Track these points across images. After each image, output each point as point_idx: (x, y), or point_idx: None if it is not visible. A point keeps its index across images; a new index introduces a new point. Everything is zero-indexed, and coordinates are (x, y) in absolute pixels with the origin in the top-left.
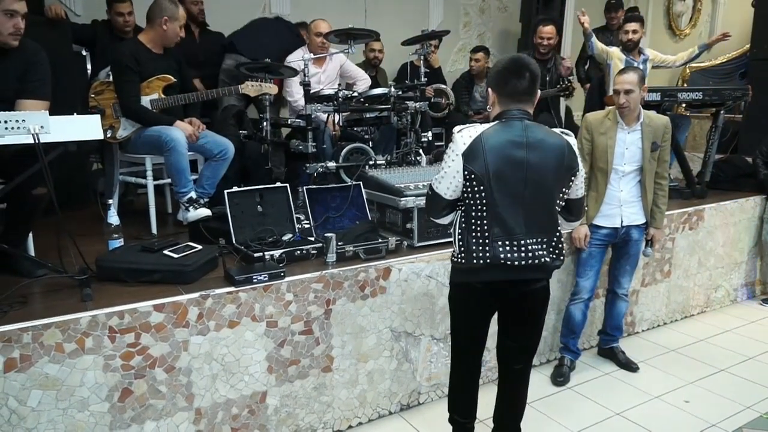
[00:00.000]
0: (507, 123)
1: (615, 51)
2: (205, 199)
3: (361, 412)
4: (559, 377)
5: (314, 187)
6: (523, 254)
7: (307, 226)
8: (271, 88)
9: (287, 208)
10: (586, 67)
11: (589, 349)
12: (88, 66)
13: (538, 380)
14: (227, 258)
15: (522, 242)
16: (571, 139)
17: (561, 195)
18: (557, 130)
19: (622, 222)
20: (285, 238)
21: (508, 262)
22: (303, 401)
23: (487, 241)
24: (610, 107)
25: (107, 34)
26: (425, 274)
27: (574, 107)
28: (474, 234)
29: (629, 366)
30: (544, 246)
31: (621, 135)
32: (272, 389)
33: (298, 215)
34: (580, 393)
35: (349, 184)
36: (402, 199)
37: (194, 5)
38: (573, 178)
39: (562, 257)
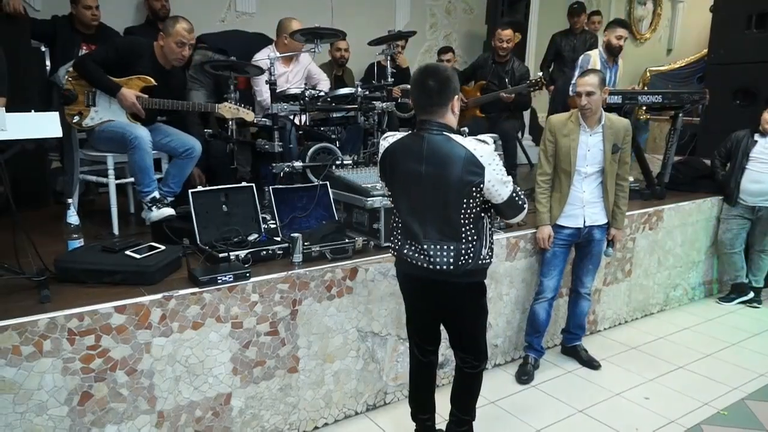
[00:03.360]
0: (413, 135)
1: (594, 53)
2: (171, 198)
3: (327, 413)
4: (524, 375)
5: (280, 186)
6: (423, 256)
7: (273, 226)
8: (248, 114)
9: (253, 208)
10: (551, 69)
11: (553, 348)
12: (47, 62)
13: (503, 379)
14: (191, 258)
15: (422, 246)
16: (481, 148)
17: (466, 205)
18: (469, 140)
19: (584, 222)
20: (251, 238)
21: (410, 260)
22: (268, 402)
23: (400, 236)
24: (574, 110)
25: (67, 30)
26: (392, 274)
27: (539, 108)
28: (395, 228)
29: (591, 364)
30: (450, 254)
31: (583, 137)
32: (237, 391)
33: (264, 215)
34: (543, 391)
35: (316, 184)
36: (369, 199)
37: (156, 1)
38: (476, 189)
39: (480, 262)
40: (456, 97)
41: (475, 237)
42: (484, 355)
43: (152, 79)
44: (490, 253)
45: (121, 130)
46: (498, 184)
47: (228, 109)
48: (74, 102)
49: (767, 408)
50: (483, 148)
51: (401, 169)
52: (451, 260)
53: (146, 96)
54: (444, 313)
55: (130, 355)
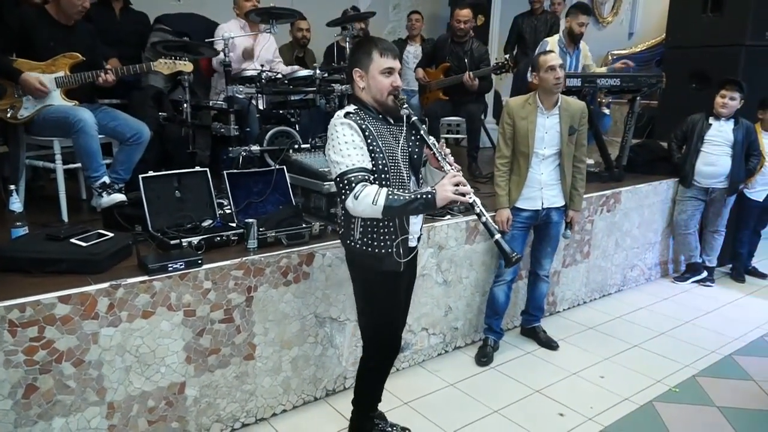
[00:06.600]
0: None
1: (552, 40)
2: (120, 185)
3: (285, 399)
4: (483, 357)
5: (235, 171)
6: None
7: (229, 211)
8: (186, 66)
9: (207, 193)
10: (514, 52)
11: (513, 329)
12: None
13: (463, 361)
14: (143, 246)
15: None
16: (333, 119)
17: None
18: (342, 110)
19: (542, 204)
20: (204, 224)
21: None
22: (224, 390)
23: None
24: (532, 92)
25: (14, 8)
26: None
27: (503, 92)
28: None
29: (549, 344)
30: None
31: (540, 119)
32: (191, 380)
33: (220, 201)
34: (502, 372)
35: (273, 168)
36: (326, 183)
37: None
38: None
39: (350, 243)
40: (354, 69)
41: (346, 213)
42: (373, 351)
43: (79, 55)
44: (367, 240)
45: (64, 114)
46: (329, 159)
47: (164, 65)
48: (4, 96)
49: (717, 384)
50: (333, 120)
51: None
52: (341, 227)
53: (72, 75)
54: None
55: (77, 346)
